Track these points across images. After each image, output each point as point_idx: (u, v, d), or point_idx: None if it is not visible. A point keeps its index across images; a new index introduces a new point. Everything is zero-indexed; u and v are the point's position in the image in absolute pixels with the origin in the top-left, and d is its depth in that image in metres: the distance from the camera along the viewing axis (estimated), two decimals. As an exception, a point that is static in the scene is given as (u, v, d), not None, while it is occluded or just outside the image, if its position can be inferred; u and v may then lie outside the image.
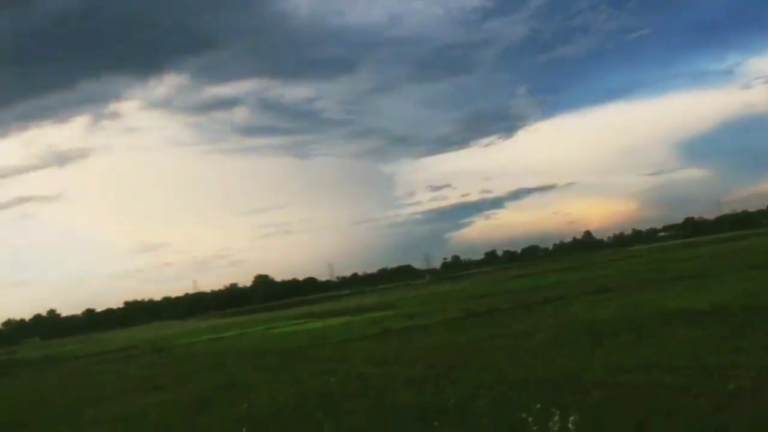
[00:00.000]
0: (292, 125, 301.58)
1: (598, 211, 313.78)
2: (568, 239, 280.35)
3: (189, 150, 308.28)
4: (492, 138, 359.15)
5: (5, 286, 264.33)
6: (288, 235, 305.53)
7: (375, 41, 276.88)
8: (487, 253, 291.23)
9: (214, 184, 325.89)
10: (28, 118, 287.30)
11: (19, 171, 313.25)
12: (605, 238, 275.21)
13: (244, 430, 11.52)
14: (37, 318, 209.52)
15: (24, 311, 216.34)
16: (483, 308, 33.87)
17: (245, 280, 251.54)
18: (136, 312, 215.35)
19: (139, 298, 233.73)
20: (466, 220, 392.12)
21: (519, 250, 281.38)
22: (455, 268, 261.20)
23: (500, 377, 14.23)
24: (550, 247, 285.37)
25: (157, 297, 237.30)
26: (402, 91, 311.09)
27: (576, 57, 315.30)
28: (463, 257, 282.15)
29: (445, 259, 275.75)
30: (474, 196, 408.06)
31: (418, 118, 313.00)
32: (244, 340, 44.75)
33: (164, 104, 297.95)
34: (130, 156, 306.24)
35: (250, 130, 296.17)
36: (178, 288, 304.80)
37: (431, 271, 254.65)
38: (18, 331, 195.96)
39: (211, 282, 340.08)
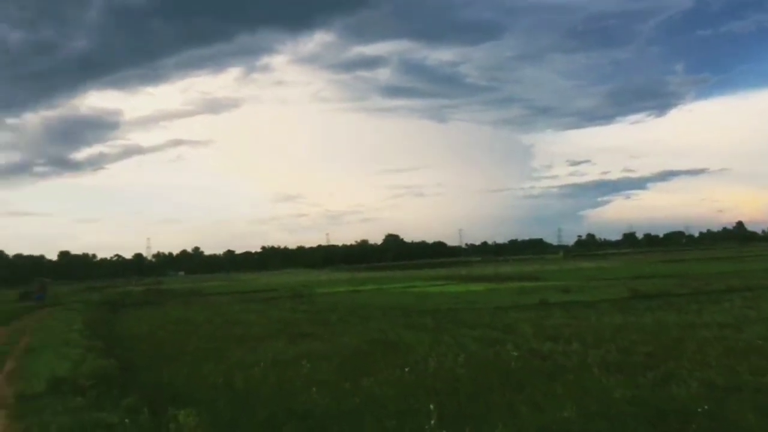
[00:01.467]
0: (433, 88, 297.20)
1: (753, 201, 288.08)
2: (716, 228, 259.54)
3: (331, 107, 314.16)
4: (641, 115, 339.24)
5: (158, 222, 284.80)
6: (420, 198, 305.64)
7: (524, 6, 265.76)
8: (625, 235, 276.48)
9: (351, 141, 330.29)
10: (187, 67, 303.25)
11: (175, 116, 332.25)
12: (760, 231, 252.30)
13: (431, 406, 9.42)
14: (183, 254, 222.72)
15: (172, 246, 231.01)
16: (651, 290, 30.20)
17: (375, 238, 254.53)
18: (272, 257, 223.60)
19: (275, 245, 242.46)
20: (604, 198, 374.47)
21: (661, 235, 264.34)
22: (590, 246, 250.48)
23: (734, 378, 11.35)
24: (696, 235, 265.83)
25: (292, 245, 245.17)
26: (548, 60, 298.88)
27: (745, 34, 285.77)
28: (598, 236, 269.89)
29: (580, 236, 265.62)
30: (615, 175, 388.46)
31: (562, 89, 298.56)
32: (384, 296, 43.55)
33: (311, 60, 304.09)
34: (275, 109, 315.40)
35: (391, 91, 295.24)
36: (310, 239, 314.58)
37: (563, 248, 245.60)
38: (166, 263, 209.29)
39: (343, 236, 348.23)
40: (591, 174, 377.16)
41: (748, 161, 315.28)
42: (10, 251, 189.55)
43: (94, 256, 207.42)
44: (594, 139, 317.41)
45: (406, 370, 13.43)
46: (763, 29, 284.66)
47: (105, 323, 30.48)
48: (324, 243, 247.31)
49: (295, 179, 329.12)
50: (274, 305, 38.98)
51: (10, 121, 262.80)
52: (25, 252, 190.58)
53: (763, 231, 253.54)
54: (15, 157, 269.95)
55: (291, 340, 19.85)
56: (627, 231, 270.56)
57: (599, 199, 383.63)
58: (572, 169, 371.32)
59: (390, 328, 21.71)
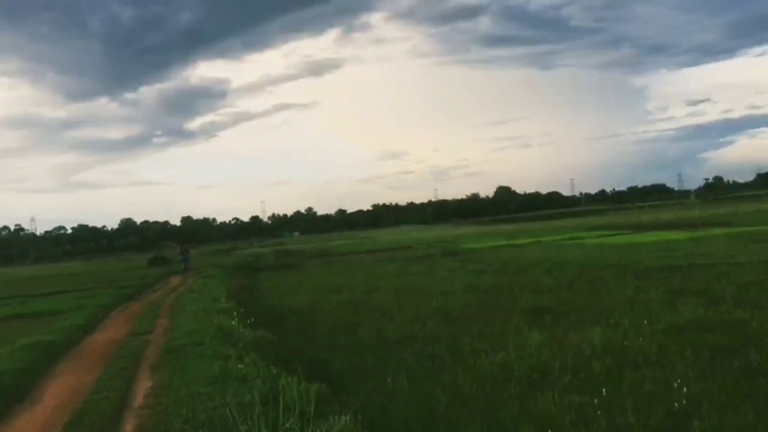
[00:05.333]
0: (535, 34, 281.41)
1: None
2: None
3: (431, 61, 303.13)
4: (766, 47, 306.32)
5: (269, 185, 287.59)
6: (526, 149, 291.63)
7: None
8: (759, 175, 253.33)
9: (453, 95, 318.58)
10: (288, 31, 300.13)
11: (280, 80, 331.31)
12: None
13: None
14: (297, 214, 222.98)
15: (285, 208, 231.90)
16: None
17: (484, 191, 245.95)
18: (384, 214, 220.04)
19: (385, 202, 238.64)
20: (727, 138, 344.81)
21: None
22: (720, 189, 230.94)
23: None
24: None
25: (402, 202, 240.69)
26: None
27: None
28: (726, 178, 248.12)
29: (707, 179, 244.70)
30: (738, 113, 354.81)
31: (676, 24, 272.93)
32: (561, 250, 36.25)
33: (409, 15, 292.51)
34: (376, 67, 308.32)
35: (492, 40, 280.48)
36: (419, 195, 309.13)
37: (695, 192, 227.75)
38: (281, 224, 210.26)
39: (450, 191, 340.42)
40: (711, 113, 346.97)
41: None
42: (138, 218, 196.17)
43: (214, 220, 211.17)
44: (713, 76, 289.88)
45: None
46: None
47: (250, 293, 25.21)
48: (433, 199, 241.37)
49: (399, 137, 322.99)
50: (431, 264, 32.82)
51: (129, 95, 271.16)
52: (151, 219, 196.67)
53: None
54: (135, 129, 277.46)
55: (532, 321, 13.39)
56: (759, 171, 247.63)
57: (722, 140, 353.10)
58: (690, 109, 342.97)
59: (608, 291, 15.02)
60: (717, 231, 38.70)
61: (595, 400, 7.37)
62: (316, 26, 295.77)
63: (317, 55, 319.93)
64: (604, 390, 7.56)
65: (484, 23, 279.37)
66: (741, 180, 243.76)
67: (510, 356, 10.17)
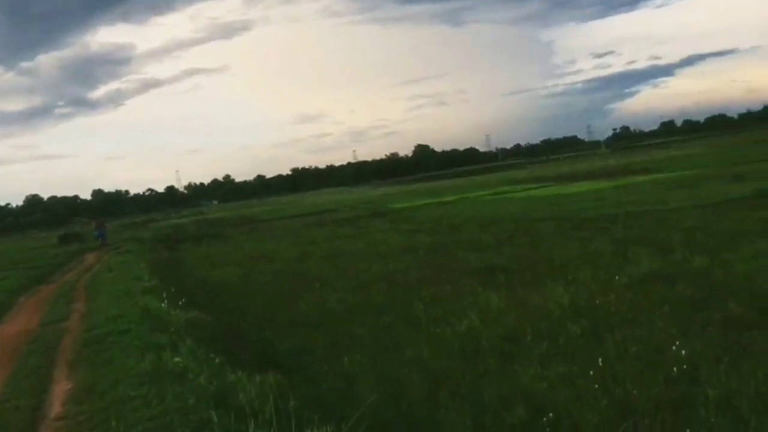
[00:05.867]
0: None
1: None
2: (756, 108, 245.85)
3: (343, 20, 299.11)
4: None
5: (183, 153, 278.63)
6: (443, 106, 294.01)
7: None
8: (663, 123, 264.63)
9: (367, 55, 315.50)
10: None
11: (188, 44, 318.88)
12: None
13: None
14: (215, 182, 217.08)
15: (202, 176, 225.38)
16: None
17: (403, 150, 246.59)
18: (304, 179, 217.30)
19: (304, 166, 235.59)
20: (632, 89, 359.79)
21: (702, 120, 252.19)
22: (628, 138, 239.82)
23: None
24: (735, 117, 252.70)
25: (321, 165, 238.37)
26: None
27: None
28: (633, 128, 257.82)
29: (615, 129, 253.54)
30: (641, 64, 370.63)
31: None
32: (491, 205, 36.02)
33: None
34: (288, 28, 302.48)
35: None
36: (338, 157, 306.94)
37: (605, 142, 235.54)
38: (199, 194, 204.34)
39: (369, 152, 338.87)
40: (616, 65, 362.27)
41: None
42: (45, 194, 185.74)
43: (126, 192, 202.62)
44: (617, 29, 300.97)
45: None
46: None
47: (175, 268, 23.55)
48: (352, 160, 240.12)
49: (315, 99, 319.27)
50: (361, 227, 31.91)
51: (25, 65, 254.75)
52: (59, 194, 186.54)
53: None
54: (35, 101, 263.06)
55: (485, 281, 12.65)
56: (660, 120, 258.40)
57: (627, 91, 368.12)
58: (596, 62, 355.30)
59: (563, 246, 14.64)
60: (639, 178, 39.43)
61: (591, 372, 6.60)
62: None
63: (225, 17, 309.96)
64: (599, 360, 6.80)
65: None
66: (646, 129, 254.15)
67: (474, 323, 9.36)
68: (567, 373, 6.82)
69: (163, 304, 11.81)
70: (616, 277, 10.81)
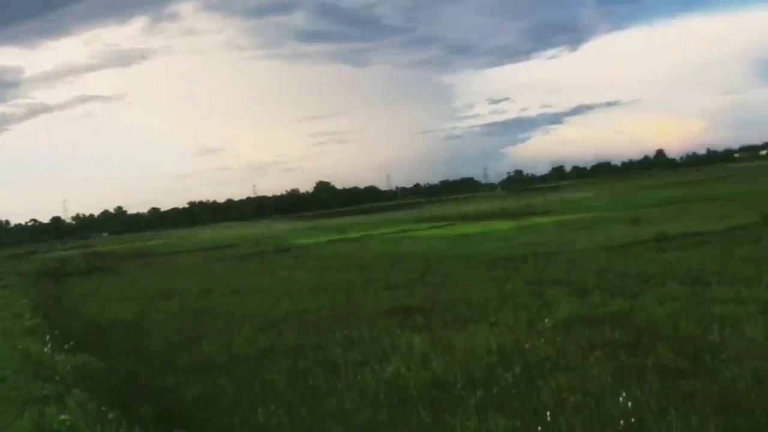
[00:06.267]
0: (349, 31, 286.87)
1: (665, 129, 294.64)
2: (637, 157, 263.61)
3: (245, 55, 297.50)
4: (556, 50, 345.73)
5: (72, 182, 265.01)
6: (344, 144, 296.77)
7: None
8: (554, 168, 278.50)
9: (269, 90, 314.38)
10: (89, 18, 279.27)
11: (82, 70, 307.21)
12: (678, 158, 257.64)
13: None
14: (105, 214, 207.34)
15: (92, 207, 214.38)
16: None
17: (304, 187, 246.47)
18: (201, 212, 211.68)
19: (202, 199, 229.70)
20: (525, 135, 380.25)
21: (589, 167, 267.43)
22: (521, 182, 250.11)
23: None
24: (619, 165, 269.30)
25: (219, 199, 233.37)
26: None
27: None
28: (525, 172, 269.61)
29: (509, 173, 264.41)
30: (533, 111, 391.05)
31: (479, 26, 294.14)
32: (385, 243, 35.93)
33: (221, 6, 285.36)
34: (188, 59, 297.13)
35: (307, 36, 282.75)
36: (237, 192, 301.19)
37: (500, 184, 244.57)
38: (87, 225, 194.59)
39: (270, 187, 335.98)
40: (511, 111, 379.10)
41: (658, 91, 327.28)
42: None
43: (7, 222, 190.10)
44: (512, 77, 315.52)
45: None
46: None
47: (61, 305, 21.56)
48: (252, 195, 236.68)
49: (215, 132, 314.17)
50: (266, 263, 30.82)
51: None
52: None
53: (681, 158, 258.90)
54: None
55: (402, 322, 12.13)
56: (548, 166, 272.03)
57: (520, 136, 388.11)
58: (493, 107, 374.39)
59: (479, 287, 14.48)
60: (540, 220, 40.38)
61: (539, 427, 6.10)
62: (121, 14, 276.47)
63: (124, 45, 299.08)
64: (547, 414, 6.33)
65: (299, 18, 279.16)
66: (538, 173, 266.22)
67: (399, 369, 8.75)
68: (511, 428, 6.30)
69: (47, 348, 10.51)
70: (546, 320, 10.49)
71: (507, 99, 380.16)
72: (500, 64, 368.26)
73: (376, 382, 8.44)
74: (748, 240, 19.23)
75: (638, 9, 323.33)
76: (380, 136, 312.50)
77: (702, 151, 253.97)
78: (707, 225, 24.21)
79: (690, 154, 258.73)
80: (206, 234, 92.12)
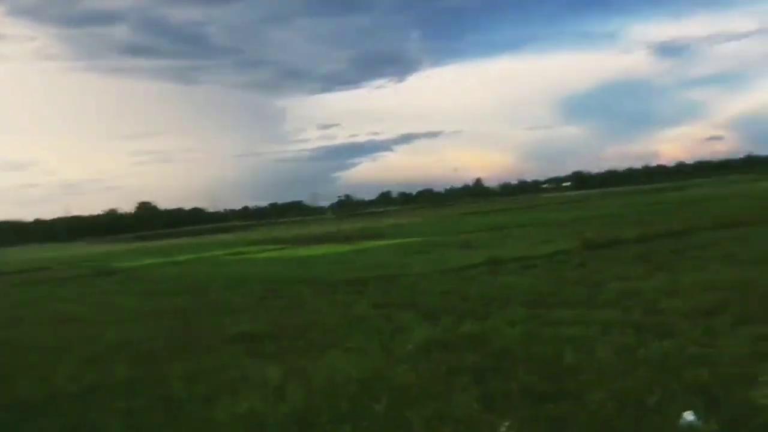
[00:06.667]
0: (176, 48, 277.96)
1: (482, 160, 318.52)
2: (458, 185, 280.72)
3: (61, 65, 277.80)
4: (384, 80, 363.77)
5: None
6: (168, 164, 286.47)
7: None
8: (382, 194, 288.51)
9: (86, 104, 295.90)
10: None
11: None
12: (494, 187, 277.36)
13: None
14: None
15: None
16: (601, 240, 25.59)
17: (124, 207, 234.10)
18: (5, 233, 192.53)
19: (6, 219, 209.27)
20: (354, 160, 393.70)
21: (414, 193, 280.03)
22: (350, 206, 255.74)
23: None
24: (443, 192, 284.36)
25: (27, 218, 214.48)
26: (295, 23, 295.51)
27: (471, 7, 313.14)
28: (354, 196, 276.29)
29: (339, 197, 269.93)
30: (362, 138, 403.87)
31: (310, 53, 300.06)
32: (217, 265, 34.57)
33: (33, 12, 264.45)
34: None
35: (129, 49, 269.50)
36: (47, 211, 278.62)
37: (330, 208, 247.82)
38: None
39: (85, 207, 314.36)
40: (340, 137, 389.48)
41: (476, 123, 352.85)
42: None
43: None
44: (342, 103, 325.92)
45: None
46: (485, 2, 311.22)
47: None
48: (64, 215, 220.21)
49: (22, 145, 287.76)
50: (84, 287, 28.20)
51: None
52: None
53: (497, 186, 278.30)
54: None
55: (250, 350, 11.35)
56: (376, 191, 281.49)
57: (349, 161, 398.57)
58: (322, 132, 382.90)
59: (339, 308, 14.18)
60: (373, 243, 40.78)
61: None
62: None
63: None
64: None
65: (121, 31, 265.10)
66: (366, 198, 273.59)
67: (254, 403, 7.97)
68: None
69: None
70: (409, 346, 10.18)
71: (337, 125, 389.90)
72: (330, 90, 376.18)
73: (230, 419, 7.61)
74: (573, 264, 20.37)
75: (459, 46, 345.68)
76: (207, 157, 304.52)
77: (515, 181, 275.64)
78: (533, 249, 25.50)
79: (504, 183, 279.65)
80: (10, 256, 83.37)
